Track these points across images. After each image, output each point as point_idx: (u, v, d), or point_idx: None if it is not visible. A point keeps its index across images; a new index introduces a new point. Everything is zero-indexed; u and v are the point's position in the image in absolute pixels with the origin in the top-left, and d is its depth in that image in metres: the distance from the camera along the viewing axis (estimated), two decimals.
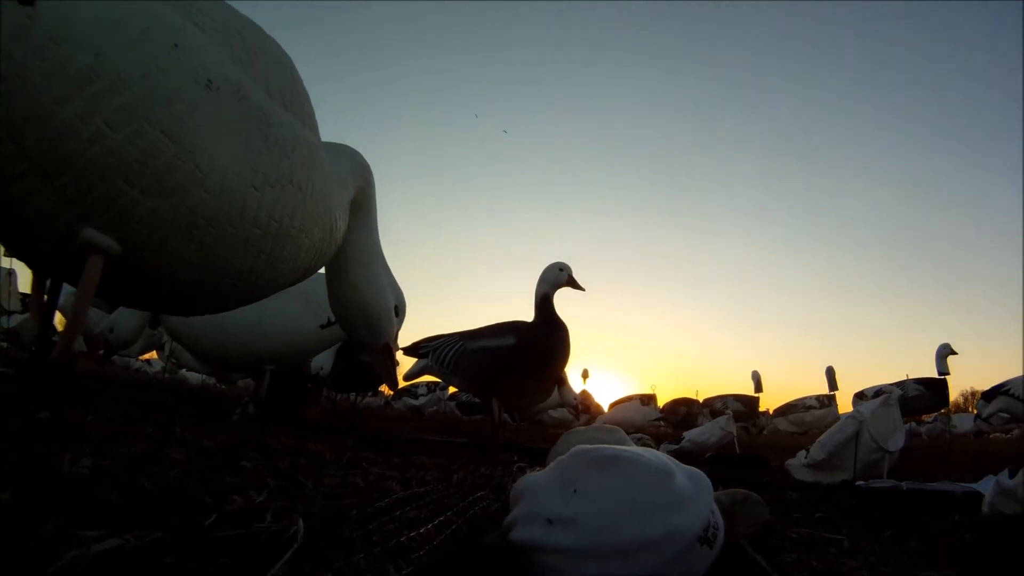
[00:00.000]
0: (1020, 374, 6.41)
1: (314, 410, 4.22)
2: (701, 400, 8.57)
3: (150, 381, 7.58)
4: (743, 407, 8.25)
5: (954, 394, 7.56)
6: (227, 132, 0.83)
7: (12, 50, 0.67)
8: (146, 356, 8.52)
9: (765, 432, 8.81)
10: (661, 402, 8.02)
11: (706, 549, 0.94)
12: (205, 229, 0.84)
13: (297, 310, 3.15)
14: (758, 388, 8.70)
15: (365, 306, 1.24)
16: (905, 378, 6.87)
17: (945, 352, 6.74)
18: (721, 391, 8.85)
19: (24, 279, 6.65)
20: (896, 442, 3.08)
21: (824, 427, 5.78)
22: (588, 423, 6.04)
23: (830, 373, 8.16)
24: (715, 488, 1.07)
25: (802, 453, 3.41)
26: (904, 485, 2.53)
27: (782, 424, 8.57)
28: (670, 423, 8.11)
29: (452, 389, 7.95)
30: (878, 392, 5.85)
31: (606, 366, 14.29)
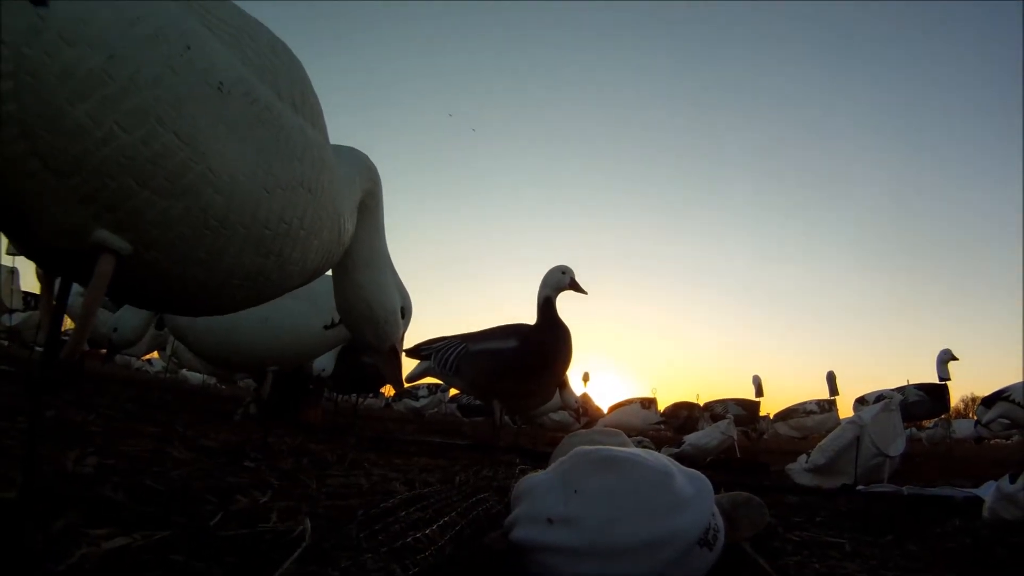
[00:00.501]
0: (1020, 380, 6.41)
1: (315, 411, 4.23)
2: (702, 404, 8.57)
3: (151, 380, 7.59)
4: (744, 411, 8.26)
5: (954, 400, 7.53)
6: (239, 134, 0.84)
7: (24, 49, 0.68)
8: (147, 356, 8.53)
9: (766, 436, 8.82)
10: (662, 406, 8.02)
11: (706, 551, 0.95)
12: (216, 230, 0.84)
13: (302, 311, 3.15)
14: (759, 392, 8.70)
15: (371, 308, 1.24)
16: (906, 383, 6.86)
17: (946, 358, 6.74)
18: (722, 395, 8.86)
19: (27, 278, 6.67)
20: (897, 447, 3.09)
21: (825, 432, 5.79)
22: (588, 426, 6.03)
23: (831, 378, 8.17)
24: (716, 491, 1.07)
25: (803, 457, 3.42)
26: (905, 490, 2.54)
27: (783, 429, 8.58)
28: (671, 427, 8.10)
29: (453, 391, 7.93)
30: (879, 397, 5.84)
31: (607, 369, 14.26)
